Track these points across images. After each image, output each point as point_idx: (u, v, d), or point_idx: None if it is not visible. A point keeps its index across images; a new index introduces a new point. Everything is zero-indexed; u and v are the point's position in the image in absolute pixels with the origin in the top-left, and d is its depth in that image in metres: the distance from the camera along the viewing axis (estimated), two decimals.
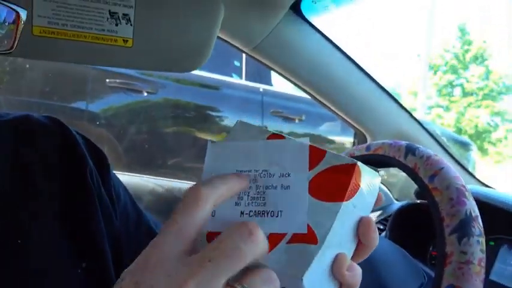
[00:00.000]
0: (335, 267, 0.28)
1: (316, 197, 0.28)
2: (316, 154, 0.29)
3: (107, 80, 2.18)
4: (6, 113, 0.50)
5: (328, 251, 0.27)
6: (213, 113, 2.56)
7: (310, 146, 0.30)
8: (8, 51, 0.39)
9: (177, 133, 2.47)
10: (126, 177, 1.08)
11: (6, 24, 0.38)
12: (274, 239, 0.27)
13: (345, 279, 0.28)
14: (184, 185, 1.16)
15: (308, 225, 0.27)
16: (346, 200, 0.27)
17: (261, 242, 0.25)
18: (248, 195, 0.30)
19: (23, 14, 0.38)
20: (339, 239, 0.28)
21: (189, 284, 0.23)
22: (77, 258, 0.44)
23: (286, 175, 0.29)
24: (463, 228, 0.49)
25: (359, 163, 0.28)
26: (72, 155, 0.49)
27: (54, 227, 0.44)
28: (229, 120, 2.57)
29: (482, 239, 0.49)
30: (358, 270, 0.29)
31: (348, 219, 0.29)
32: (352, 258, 0.30)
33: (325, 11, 0.80)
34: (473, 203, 0.52)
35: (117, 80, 2.19)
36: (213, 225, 0.28)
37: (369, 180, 0.30)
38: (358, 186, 0.28)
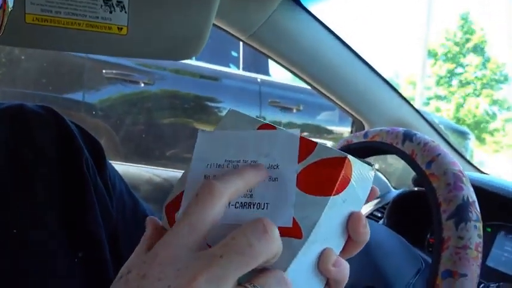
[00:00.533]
0: (321, 263, 0.27)
1: (304, 190, 0.27)
2: (306, 146, 0.29)
3: (104, 71, 2.16)
4: (0, 102, 0.50)
5: (313, 246, 0.27)
6: (211, 104, 2.55)
7: (300, 137, 0.29)
8: None
9: (174, 124, 2.47)
10: (123, 167, 1.08)
11: None
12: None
13: (331, 275, 0.28)
14: (181, 174, 1.16)
15: (294, 219, 0.26)
16: (335, 194, 0.27)
17: (276, 241, 0.24)
18: None
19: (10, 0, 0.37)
20: (325, 234, 0.27)
21: (198, 279, 0.22)
22: (73, 247, 0.44)
23: (275, 167, 0.29)
24: (460, 213, 0.49)
25: (350, 156, 0.27)
26: (68, 144, 0.48)
27: (50, 217, 0.44)
28: (226, 110, 2.57)
29: (480, 224, 0.49)
30: (345, 266, 0.28)
31: (336, 214, 0.28)
32: (342, 253, 0.29)
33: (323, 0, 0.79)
34: (471, 188, 0.52)
35: (114, 71, 2.18)
36: None
37: (361, 174, 0.29)
38: (348, 180, 0.28)
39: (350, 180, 0.28)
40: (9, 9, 0.36)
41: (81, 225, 0.46)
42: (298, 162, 0.28)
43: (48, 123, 0.49)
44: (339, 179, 0.27)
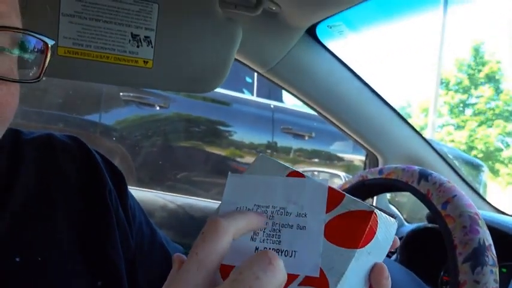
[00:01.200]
0: None
1: (331, 241, 0.28)
2: (334, 197, 0.29)
3: (121, 94, 2.22)
4: (30, 131, 0.52)
5: None
6: (224, 128, 2.58)
7: (329, 187, 0.30)
8: (36, 80, 0.40)
9: (187, 147, 2.50)
10: (138, 193, 1.10)
11: (36, 50, 0.40)
12: (287, 280, 0.27)
13: None
14: (196, 201, 1.17)
15: (321, 269, 0.27)
16: (361, 247, 0.27)
17: (280, 272, 0.25)
18: (264, 232, 0.30)
19: (51, 44, 0.40)
20: (350, 285, 0.28)
21: None
22: (93, 276, 0.45)
23: (303, 215, 0.29)
24: (477, 257, 0.49)
25: (376, 210, 0.28)
26: (93, 175, 0.50)
27: (72, 246, 0.45)
28: (238, 135, 2.59)
29: (496, 269, 0.49)
30: None
31: (362, 266, 0.29)
32: None
33: (341, 36, 0.81)
34: (487, 231, 0.52)
35: (131, 94, 2.23)
36: (227, 257, 0.28)
37: (385, 226, 0.30)
38: (374, 233, 0.28)
39: (376, 233, 0.28)
40: (50, 54, 0.39)
41: (101, 254, 0.47)
42: (326, 212, 0.29)
43: (74, 152, 0.51)
44: (366, 232, 0.27)
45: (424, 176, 0.62)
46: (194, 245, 0.27)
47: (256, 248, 0.29)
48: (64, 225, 0.46)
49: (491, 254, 0.50)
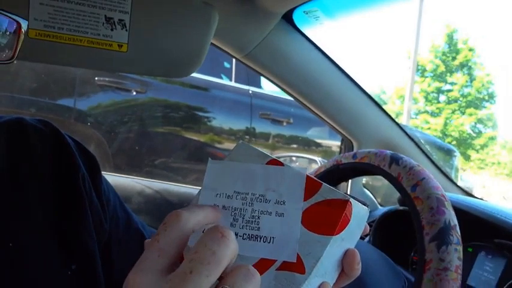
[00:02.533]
0: None
1: (308, 227, 0.29)
2: (312, 185, 0.30)
3: (96, 78, 2.17)
4: None
5: (313, 280, 0.28)
6: (202, 114, 2.57)
7: (307, 176, 0.31)
8: (9, 61, 0.39)
9: (165, 133, 2.48)
10: (115, 178, 1.09)
11: (8, 33, 0.39)
12: (264, 264, 0.28)
13: None
14: (174, 187, 1.17)
15: (298, 255, 0.28)
16: (336, 234, 0.29)
17: (233, 242, 0.26)
18: (243, 218, 0.31)
19: (24, 25, 0.39)
20: (325, 269, 0.29)
21: None
22: (66, 260, 0.45)
23: (282, 203, 0.30)
24: (442, 237, 0.52)
25: (351, 199, 0.30)
26: (65, 160, 0.49)
27: (45, 230, 0.45)
28: (217, 121, 2.59)
29: (460, 247, 0.52)
30: None
31: (336, 251, 0.30)
32: (334, 285, 0.32)
33: (317, 22, 0.82)
34: (452, 212, 0.54)
35: (106, 79, 2.19)
36: None
37: (358, 214, 0.31)
38: (348, 220, 0.30)
39: (350, 220, 0.30)
40: (23, 35, 0.38)
41: (75, 239, 0.47)
42: (304, 200, 0.30)
43: (46, 137, 0.50)
44: (341, 220, 0.29)
45: (395, 160, 0.64)
46: (156, 233, 0.27)
47: (236, 234, 0.29)
48: (36, 210, 0.46)
49: (456, 234, 0.52)
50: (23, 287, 0.42)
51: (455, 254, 0.51)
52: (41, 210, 0.46)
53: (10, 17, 0.38)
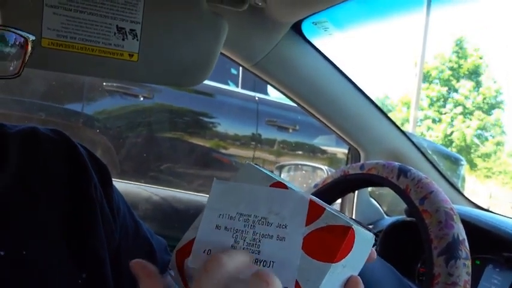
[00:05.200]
0: None
1: (308, 253, 0.29)
2: (314, 210, 0.30)
3: (104, 84, 2.19)
4: (13, 125, 0.52)
5: None
6: (208, 120, 2.58)
7: (310, 201, 0.31)
8: (15, 76, 0.40)
9: (171, 138, 2.49)
10: (123, 185, 1.10)
11: (17, 44, 0.40)
12: None
13: None
14: (180, 194, 1.18)
15: (296, 281, 0.28)
16: (336, 262, 0.28)
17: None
18: (245, 241, 0.31)
19: (32, 38, 0.40)
20: None
21: None
22: (77, 269, 0.46)
23: (284, 226, 0.30)
24: (451, 251, 0.51)
25: (354, 225, 0.29)
26: (77, 169, 0.50)
27: (57, 240, 0.46)
28: (223, 127, 2.60)
29: (468, 262, 0.52)
30: None
31: (337, 278, 0.30)
32: None
33: (326, 33, 0.82)
34: (461, 226, 0.54)
35: (114, 84, 2.21)
36: None
37: (362, 241, 0.31)
38: (350, 248, 0.29)
39: (352, 248, 0.30)
40: (30, 50, 0.39)
41: (86, 247, 0.47)
42: (306, 225, 0.30)
43: (59, 147, 0.51)
44: (342, 247, 0.29)
45: (403, 172, 0.64)
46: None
47: None
48: (49, 219, 0.46)
49: (465, 248, 0.52)
50: None
51: (464, 268, 0.50)
52: (53, 219, 0.46)
53: (17, 33, 0.38)
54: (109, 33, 0.66)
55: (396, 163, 0.67)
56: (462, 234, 0.53)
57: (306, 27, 0.83)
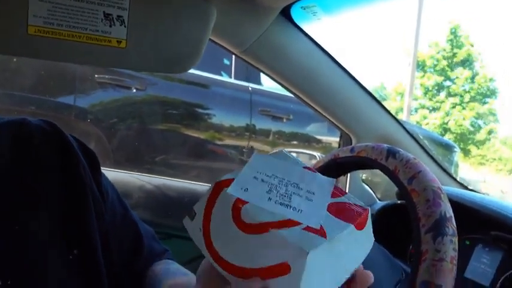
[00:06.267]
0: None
1: (332, 213, 0.34)
2: (338, 191, 0.36)
3: (96, 76, 2.17)
4: (1, 117, 0.53)
5: (335, 245, 0.32)
6: (202, 111, 2.58)
7: (335, 186, 0.36)
8: None
9: (165, 130, 2.48)
10: (116, 174, 1.10)
11: None
12: (292, 223, 0.32)
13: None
14: (173, 182, 1.18)
15: (321, 225, 0.33)
16: (356, 226, 0.33)
17: None
18: (278, 192, 0.35)
19: None
20: (342, 250, 0.33)
21: None
22: (69, 245, 0.48)
23: (312, 193, 0.35)
24: (438, 228, 0.52)
25: (369, 209, 0.35)
26: (66, 153, 0.52)
27: (49, 217, 0.48)
28: (217, 118, 2.59)
29: (455, 239, 0.52)
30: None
31: (350, 245, 0.34)
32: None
33: (315, 18, 0.82)
34: (448, 204, 0.55)
35: (106, 76, 2.19)
36: (243, 197, 0.34)
37: (369, 230, 0.36)
38: (364, 224, 0.35)
39: (365, 225, 0.35)
40: None
41: (77, 225, 0.50)
42: (331, 198, 0.35)
43: (48, 134, 0.53)
44: (361, 217, 0.34)
45: (392, 153, 0.64)
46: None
47: (269, 198, 0.34)
48: (40, 199, 0.48)
49: (451, 225, 0.53)
50: (26, 268, 0.45)
51: (450, 245, 0.51)
52: (44, 199, 0.49)
53: None
54: (96, 19, 0.66)
55: (385, 145, 0.68)
56: (449, 212, 0.54)
57: (295, 12, 0.83)
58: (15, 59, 1.96)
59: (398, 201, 0.93)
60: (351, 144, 1.09)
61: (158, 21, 0.69)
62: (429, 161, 1.05)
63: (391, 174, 0.63)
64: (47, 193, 0.49)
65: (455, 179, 1.06)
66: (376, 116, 1.04)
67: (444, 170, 1.04)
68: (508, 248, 0.77)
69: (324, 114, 1.02)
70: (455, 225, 0.54)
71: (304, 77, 0.94)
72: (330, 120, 1.04)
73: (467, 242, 0.85)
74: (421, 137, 1.21)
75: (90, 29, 0.66)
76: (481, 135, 13.93)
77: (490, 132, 14.01)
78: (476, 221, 0.81)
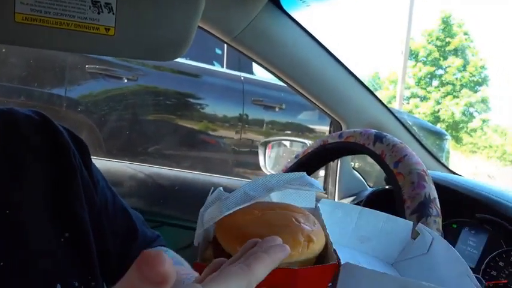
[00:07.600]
0: None
1: None
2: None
3: (87, 66, 2.16)
4: None
5: None
6: (194, 100, 2.57)
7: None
8: None
9: (157, 120, 2.48)
10: (107, 163, 1.10)
11: None
12: None
13: None
14: (165, 171, 1.19)
15: None
16: None
17: None
18: None
19: None
20: None
21: None
22: (60, 228, 0.49)
23: None
24: (422, 209, 0.54)
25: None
26: (56, 140, 0.53)
27: (40, 201, 0.49)
28: (209, 108, 2.58)
29: (439, 219, 0.54)
30: None
31: None
32: None
33: (304, 5, 0.83)
34: (432, 186, 0.56)
35: (97, 66, 2.18)
36: None
37: None
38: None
39: None
40: None
41: (68, 209, 0.51)
42: None
43: (36, 123, 0.53)
44: None
45: (379, 138, 0.66)
46: None
47: None
48: (31, 184, 0.49)
49: (435, 206, 0.54)
50: (18, 251, 0.45)
51: (434, 225, 0.53)
52: (35, 184, 0.49)
53: None
54: (84, 6, 0.65)
55: (373, 130, 0.69)
56: (433, 194, 0.55)
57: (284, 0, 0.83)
58: (4, 49, 1.94)
59: (387, 186, 0.94)
60: (341, 130, 1.10)
61: (146, 8, 0.69)
62: (417, 146, 1.06)
63: (378, 159, 0.64)
64: (37, 178, 0.50)
65: (443, 164, 1.08)
66: (365, 102, 1.05)
67: (432, 155, 1.06)
68: (493, 229, 0.79)
69: (314, 101, 1.03)
70: (439, 206, 0.55)
71: (293, 64, 0.95)
72: (319, 107, 1.05)
73: (454, 226, 0.86)
74: (409, 123, 1.22)
75: (78, 16, 0.66)
76: (473, 124, 14.04)
77: (484, 121, 14.13)
78: (462, 204, 0.83)
